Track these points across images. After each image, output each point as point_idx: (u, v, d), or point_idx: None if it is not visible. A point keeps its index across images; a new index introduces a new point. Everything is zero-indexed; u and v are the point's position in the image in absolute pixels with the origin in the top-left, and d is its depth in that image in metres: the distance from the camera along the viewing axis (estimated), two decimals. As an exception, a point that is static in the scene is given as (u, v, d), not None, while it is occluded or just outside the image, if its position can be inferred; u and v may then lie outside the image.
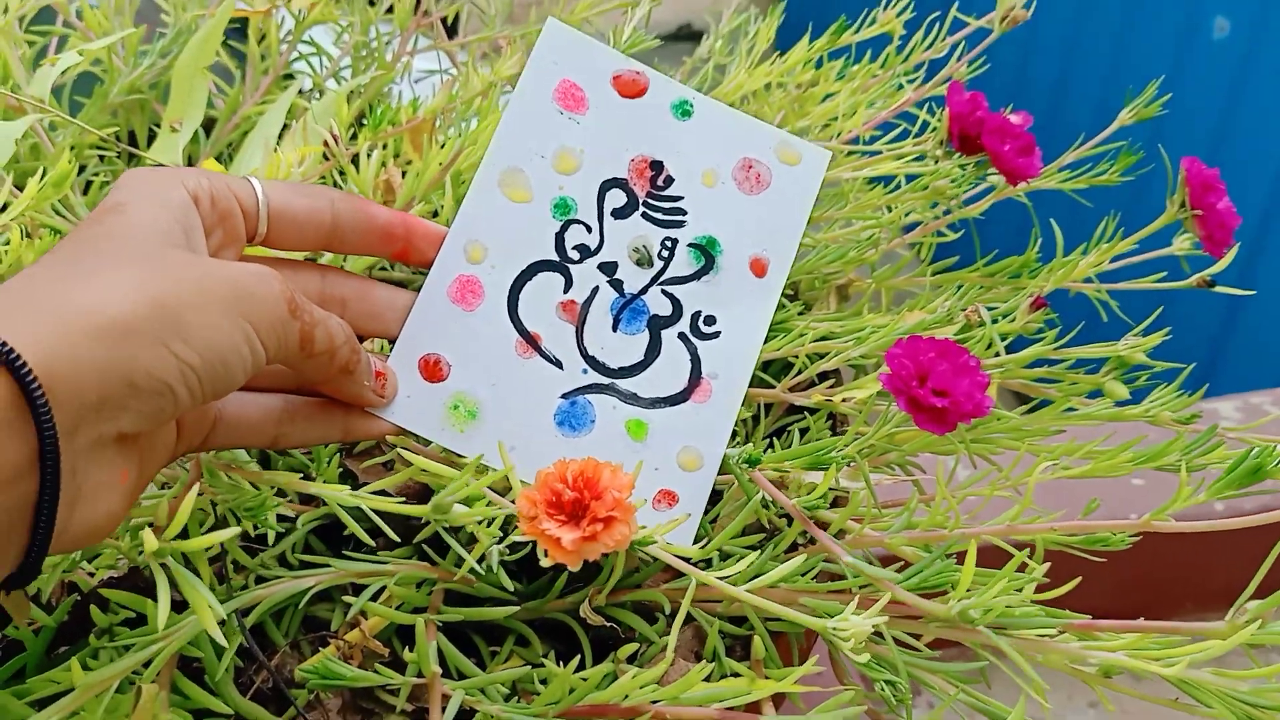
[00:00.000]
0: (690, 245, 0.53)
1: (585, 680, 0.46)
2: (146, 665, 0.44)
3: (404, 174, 0.60)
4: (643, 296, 0.52)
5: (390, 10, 0.78)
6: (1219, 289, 0.62)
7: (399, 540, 0.51)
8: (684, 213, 0.53)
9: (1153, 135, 0.65)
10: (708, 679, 0.47)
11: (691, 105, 0.54)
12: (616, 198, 0.53)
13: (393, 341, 0.50)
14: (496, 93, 0.66)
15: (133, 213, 0.40)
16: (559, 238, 0.52)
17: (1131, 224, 0.64)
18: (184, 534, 0.40)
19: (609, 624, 0.52)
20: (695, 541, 0.49)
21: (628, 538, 0.41)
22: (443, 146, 0.59)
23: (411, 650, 0.48)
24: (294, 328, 0.41)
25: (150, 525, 0.40)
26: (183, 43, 0.71)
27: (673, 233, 0.53)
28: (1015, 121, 0.62)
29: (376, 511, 0.46)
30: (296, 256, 0.50)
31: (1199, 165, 0.61)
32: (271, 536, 0.53)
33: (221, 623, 0.40)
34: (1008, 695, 0.46)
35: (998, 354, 0.57)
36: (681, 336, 0.52)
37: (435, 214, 0.61)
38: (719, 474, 0.51)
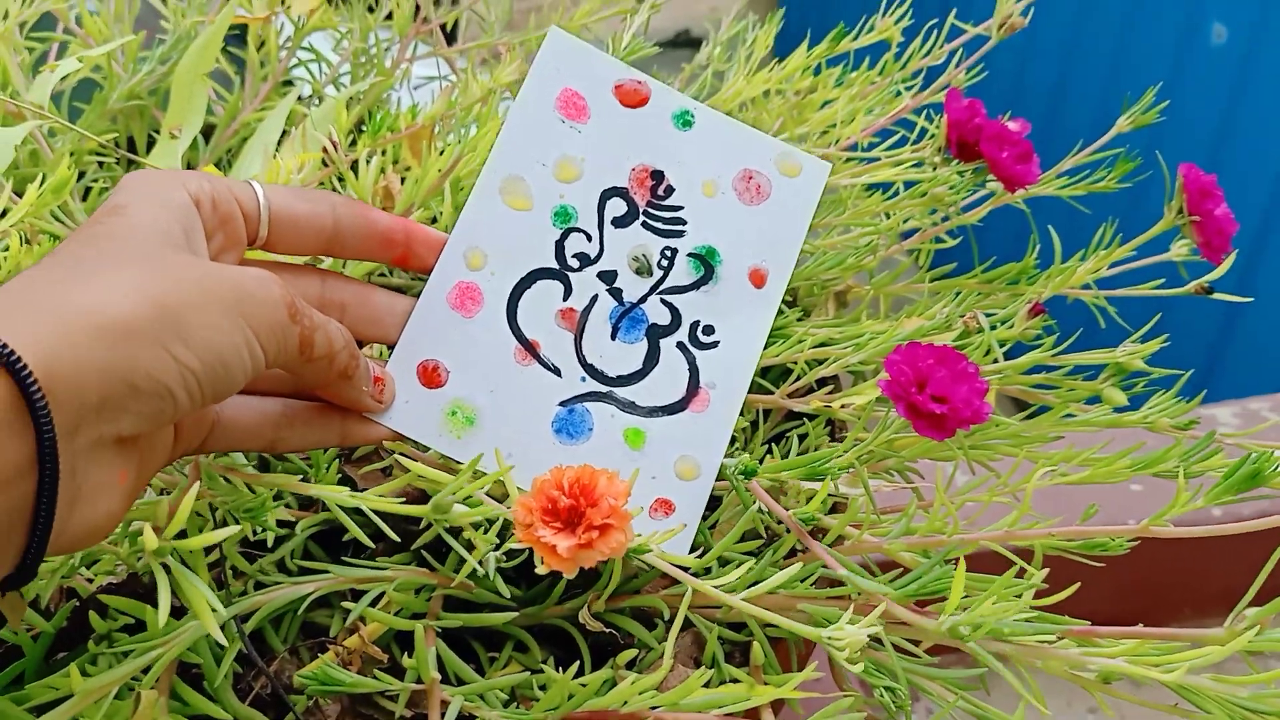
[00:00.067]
0: (690, 255, 0.53)
1: (584, 686, 0.46)
2: (145, 671, 0.44)
3: (403, 180, 0.60)
4: (642, 305, 0.52)
5: (389, 17, 0.78)
6: (1217, 295, 0.62)
7: (398, 544, 0.51)
8: (684, 222, 0.53)
9: (1151, 142, 0.65)
10: (707, 685, 0.47)
11: (693, 115, 0.55)
12: (617, 206, 0.53)
13: (391, 347, 0.50)
14: (496, 99, 0.66)
15: (133, 214, 0.40)
16: (559, 246, 0.52)
17: (1130, 230, 0.65)
18: (183, 536, 0.40)
19: (608, 630, 0.52)
20: (692, 550, 0.49)
21: (624, 545, 0.41)
22: (442, 153, 0.60)
23: (410, 656, 0.48)
24: (294, 332, 0.41)
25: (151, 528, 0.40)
26: (182, 49, 0.71)
27: (672, 242, 0.53)
28: (1013, 128, 0.62)
29: (376, 513, 0.46)
30: (296, 261, 0.51)
31: (1197, 171, 0.61)
32: (270, 541, 0.53)
33: (221, 627, 0.40)
34: (1007, 701, 0.46)
35: (996, 360, 0.58)
36: (680, 346, 0.52)
37: (434, 220, 0.62)
38: (717, 480, 0.51)
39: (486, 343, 0.50)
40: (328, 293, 0.48)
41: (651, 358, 0.52)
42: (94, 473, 0.36)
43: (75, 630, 0.48)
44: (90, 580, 0.50)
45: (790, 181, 0.55)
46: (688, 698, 0.45)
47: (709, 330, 0.53)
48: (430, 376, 0.49)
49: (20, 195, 0.53)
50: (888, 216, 0.69)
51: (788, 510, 0.50)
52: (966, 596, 0.45)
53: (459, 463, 0.48)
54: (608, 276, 0.52)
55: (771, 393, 0.60)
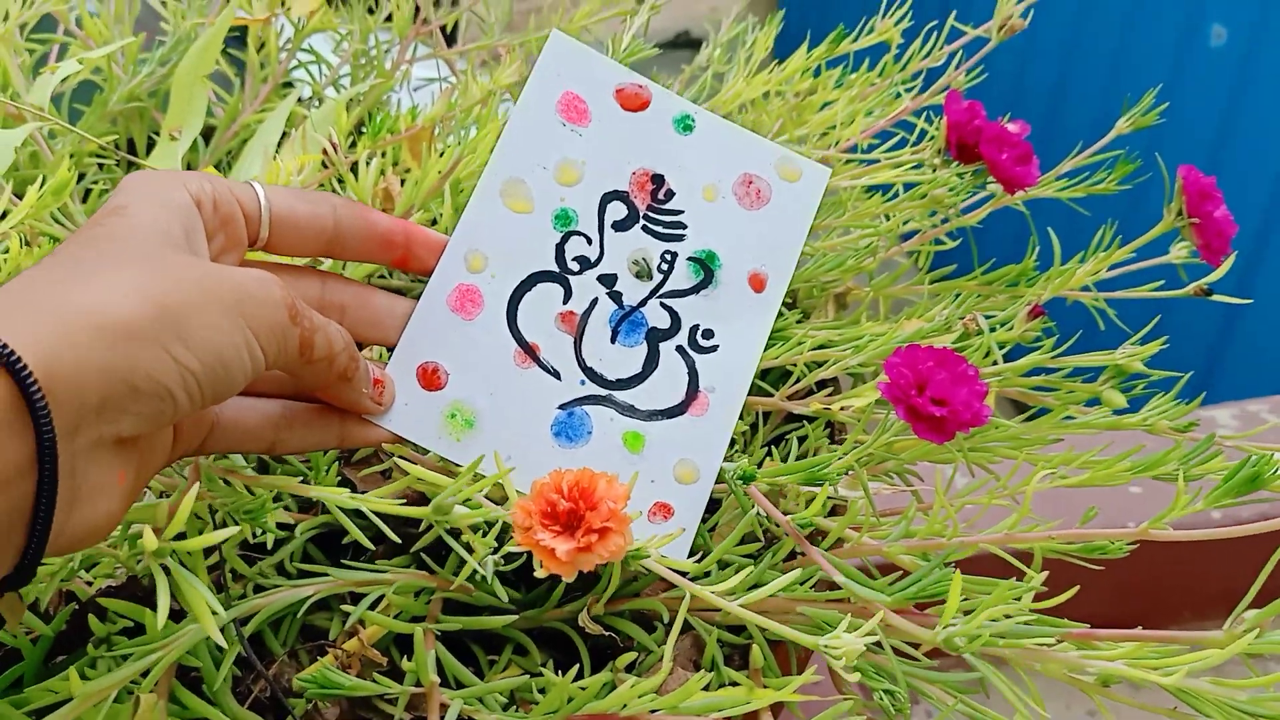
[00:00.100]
0: (690, 259, 0.53)
1: (583, 689, 0.46)
2: (145, 674, 0.44)
3: (403, 182, 0.60)
4: (642, 309, 0.52)
5: (389, 18, 0.78)
6: (1216, 297, 0.62)
7: (398, 546, 0.51)
8: (684, 227, 0.53)
9: (1150, 144, 0.65)
10: (706, 688, 0.47)
11: (693, 120, 0.55)
12: (617, 210, 0.53)
13: (391, 349, 0.50)
14: (495, 101, 0.67)
15: (134, 214, 0.40)
16: (559, 249, 0.52)
17: (1129, 232, 0.64)
18: (182, 538, 0.40)
19: (607, 633, 0.52)
20: (691, 554, 0.49)
21: (623, 549, 0.41)
22: (441, 155, 0.60)
23: (410, 659, 0.48)
24: (294, 333, 0.41)
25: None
26: (182, 51, 0.71)
27: (672, 246, 0.53)
28: (1013, 130, 0.62)
29: (376, 515, 0.46)
30: (297, 262, 0.51)
31: (1196, 173, 0.61)
32: (270, 543, 0.53)
33: (220, 630, 0.40)
34: (1007, 704, 0.46)
35: (995, 362, 0.58)
36: (679, 349, 0.52)
37: (434, 222, 0.62)
38: (716, 484, 0.51)
39: (486, 345, 0.50)
40: (328, 294, 0.48)
41: (651, 361, 0.52)
42: (93, 473, 0.36)
43: (74, 633, 0.48)
44: (89, 583, 0.50)
45: (790, 186, 0.55)
46: (687, 701, 0.45)
47: (708, 334, 0.53)
48: (430, 379, 0.49)
49: (20, 197, 0.53)
50: (887, 218, 0.69)
51: (787, 515, 0.50)
52: (966, 599, 0.45)
53: (458, 465, 0.48)
54: (608, 280, 0.52)
55: (771, 395, 0.60)
